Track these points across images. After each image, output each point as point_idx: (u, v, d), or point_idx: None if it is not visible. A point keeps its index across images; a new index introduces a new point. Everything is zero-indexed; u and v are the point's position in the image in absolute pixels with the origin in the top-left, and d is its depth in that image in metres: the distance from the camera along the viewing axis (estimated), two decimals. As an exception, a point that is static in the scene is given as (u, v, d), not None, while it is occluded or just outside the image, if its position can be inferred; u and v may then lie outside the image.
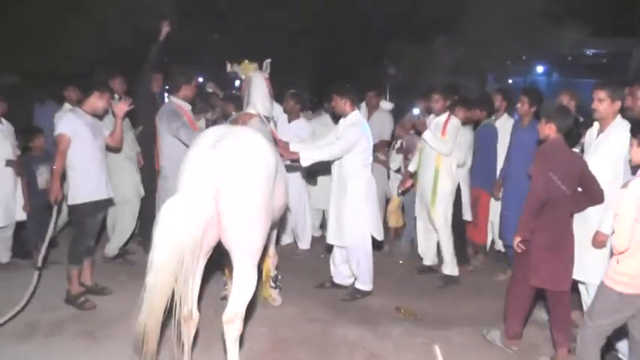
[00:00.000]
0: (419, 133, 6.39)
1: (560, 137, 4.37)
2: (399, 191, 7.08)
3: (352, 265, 5.83)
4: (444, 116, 6.27)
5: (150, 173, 6.51)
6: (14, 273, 6.06)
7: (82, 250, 5.35)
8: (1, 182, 5.96)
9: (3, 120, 6.13)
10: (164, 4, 15.77)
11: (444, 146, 6.12)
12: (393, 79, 23.27)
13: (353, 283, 5.96)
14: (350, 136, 5.56)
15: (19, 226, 6.38)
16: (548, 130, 4.39)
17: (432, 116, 6.47)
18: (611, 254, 3.71)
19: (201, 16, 21.34)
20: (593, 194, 4.35)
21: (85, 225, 5.32)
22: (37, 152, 6.52)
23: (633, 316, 3.62)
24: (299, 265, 6.92)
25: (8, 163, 5.94)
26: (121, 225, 6.54)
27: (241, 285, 3.67)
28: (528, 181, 4.54)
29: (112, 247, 6.50)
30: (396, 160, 7.48)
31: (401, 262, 7.16)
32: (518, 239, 4.37)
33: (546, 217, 4.29)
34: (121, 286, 5.88)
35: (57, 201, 5.09)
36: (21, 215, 6.20)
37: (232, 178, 3.59)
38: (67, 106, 6.02)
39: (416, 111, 7.87)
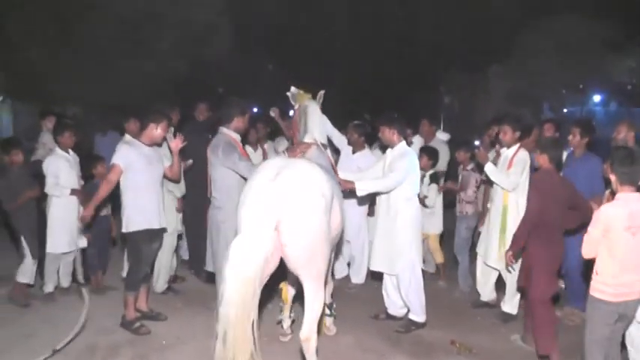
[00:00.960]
0: (479, 166, 6.21)
1: (552, 166, 4.98)
2: (480, 230, 6.67)
3: (402, 294, 5.75)
4: (513, 149, 5.89)
5: (196, 203, 6.64)
6: (74, 296, 6.22)
7: (139, 277, 5.42)
8: (67, 210, 6.14)
9: (70, 151, 6.32)
10: (219, 35, 16.24)
11: (507, 180, 5.76)
12: (447, 109, 23.16)
13: (407, 314, 5.86)
14: (402, 166, 5.54)
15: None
16: (542, 160, 4.99)
17: (503, 149, 6.09)
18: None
19: (256, 46, 21.87)
20: (584, 212, 4.84)
21: (141, 252, 5.38)
22: (99, 179, 6.58)
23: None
24: (353, 295, 6.86)
25: (73, 192, 6.12)
26: (160, 257, 6.45)
27: (312, 305, 3.98)
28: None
29: (160, 285, 6.52)
30: (431, 196, 7.02)
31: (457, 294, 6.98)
32: (509, 253, 5.00)
33: (541, 234, 4.86)
34: (176, 311, 5.99)
35: (85, 221, 5.44)
36: (83, 242, 6.34)
37: (292, 210, 3.77)
38: (127, 137, 6.20)
39: (476, 142, 7.61)
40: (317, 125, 5.11)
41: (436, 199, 7.11)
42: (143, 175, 5.29)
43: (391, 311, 5.98)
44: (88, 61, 11.62)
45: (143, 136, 5.43)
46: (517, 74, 17.10)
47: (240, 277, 3.57)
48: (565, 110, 19.56)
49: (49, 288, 6.25)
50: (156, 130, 5.42)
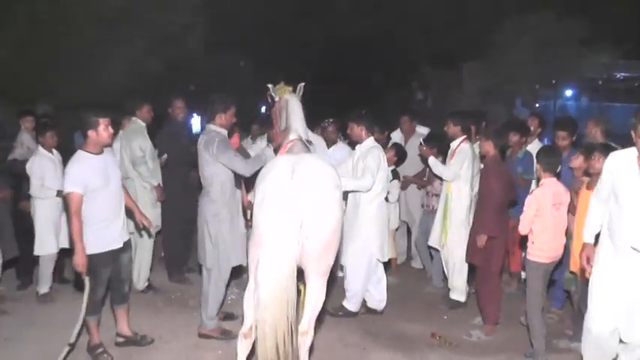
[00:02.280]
0: (424, 160, 6.40)
1: (497, 153, 5.55)
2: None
3: (347, 282, 5.96)
4: (457, 141, 6.16)
5: (177, 200, 6.67)
6: (55, 302, 6.17)
7: (99, 299, 4.89)
8: (52, 210, 6.13)
9: (54, 151, 6.26)
10: (191, 34, 16.14)
11: (447, 171, 6.08)
12: (420, 104, 23.29)
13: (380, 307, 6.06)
14: (372, 162, 5.69)
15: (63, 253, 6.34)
16: (488, 147, 5.54)
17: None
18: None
19: (226, 43, 21.71)
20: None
21: (102, 275, 4.81)
22: None
23: None
24: (334, 290, 6.91)
25: (59, 193, 5.91)
26: (141, 257, 6.50)
27: (314, 300, 3.98)
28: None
29: (141, 281, 6.51)
30: (393, 192, 6.98)
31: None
32: (483, 237, 5.41)
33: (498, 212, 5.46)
34: (157, 311, 6.02)
35: (84, 271, 4.58)
36: (63, 243, 6.16)
37: (314, 206, 3.82)
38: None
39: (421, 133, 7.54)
40: (300, 120, 4.90)
41: (399, 195, 7.24)
42: (101, 194, 4.66)
43: (370, 304, 6.06)
44: (62, 60, 11.47)
45: (88, 145, 4.69)
46: (491, 70, 17.26)
47: (275, 280, 3.64)
48: (537, 105, 19.81)
49: (44, 289, 6.18)
50: (99, 134, 4.66)
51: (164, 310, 6.05)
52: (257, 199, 3.99)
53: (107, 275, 4.85)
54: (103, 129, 4.66)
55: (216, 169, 5.15)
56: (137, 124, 6.58)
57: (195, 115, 28.71)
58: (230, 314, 5.73)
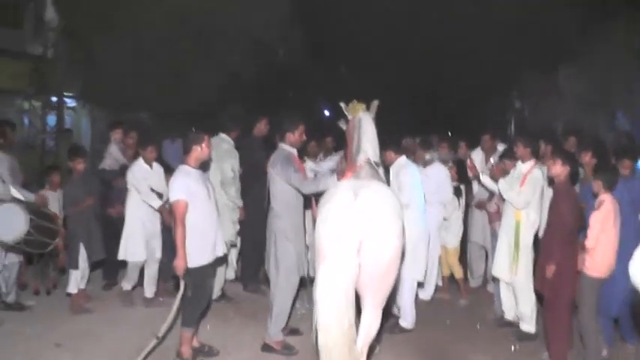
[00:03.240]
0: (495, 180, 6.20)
1: (568, 179, 5.39)
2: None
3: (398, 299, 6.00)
4: (527, 165, 5.92)
5: (252, 214, 6.80)
6: (135, 305, 6.59)
7: (198, 312, 5.17)
8: (142, 219, 6.44)
9: (154, 164, 6.60)
10: (289, 43, 16.49)
11: (517, 199, 5.78)
12: (518, 113, 22.47)
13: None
14: (404, 177, 6.06)
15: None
16: (559, 170, 5.29)
17: (518, 163, 6.09)
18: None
19: (329, 50, 21.99)
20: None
21: (204, 287, 5.11)
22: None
23: None
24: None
25: (161, 208, 6.35)
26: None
27: (369, 326, 4.04)
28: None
29: (216, 290, 6.58)
30: (449, 209, 7.00)
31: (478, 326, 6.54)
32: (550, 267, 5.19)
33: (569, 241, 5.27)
34: (227, 320, 6.26)
35: (182, 274, 4.83)
36: (159, 253, 6.60)
37: (374, 231, 3.87)
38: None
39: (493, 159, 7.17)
40: (371, 141, 4.90)
41: (453, 213, 7.09)
42: (202, 207, 4.97)
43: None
44: (159, 72, 12.11)
45: (190, 159, 5.05)
46: (589, 77, 16.36)
47: (333, 302, 3.72)
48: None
49: (127, 286, 6.58)
50: (201, 150, 5.07)
51: (233, 320, 6.27)
52: (319, 219, 4.09)
53: (211, 285, 5.30)
54: (205, 145, 5.08)
55: (281, 185, 5.37)
56: (228, 144, 6.75)
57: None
58: (296, 329, 5.81)
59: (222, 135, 6.79)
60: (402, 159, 6.26)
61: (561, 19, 18.64)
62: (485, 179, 6.14)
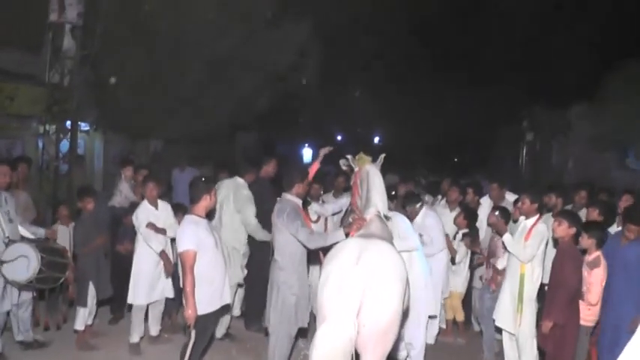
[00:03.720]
0: (499, 233, 6.22)
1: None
2: (492, 290, 6.57)
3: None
4: (532, 219, 5.89)
5: (258, 260, 6.84)
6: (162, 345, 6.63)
7: (199, 352, 5.15)
8: (149, 261, 6.35)
9: (159, 203, 6.49)
10: (304, 70, 16.62)
11: (523, 252, 5.75)
12: (530, 145, 22.54)
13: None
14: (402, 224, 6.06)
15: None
16: (564, 231, 5.36)
17: (521, 218, 6.10)
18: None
19: (336, 77, 22.14)
20: None
21: (207, 331, 5.16)
22: None
23: None
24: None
25: (162, 254, 6.31)
26: None
27: None
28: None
29: (221, 329, 6.69)
30: (460, 252, 7.15)
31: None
32: (549, 324, 5.30)
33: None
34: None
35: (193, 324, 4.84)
36: (169, 292, 6.56)
37: (374, 295, 3.86)
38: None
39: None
40: (379, 194, 4.92)
41: (462, 258, 7.19)
42: (211, 256, 5.01)
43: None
44: (174, 100, 12.28)
45: (199, 208, 5.12)
46: (601, 116, 16.41)
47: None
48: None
49: (134, 338, 6.39)
50: (210, 200, 5.17)
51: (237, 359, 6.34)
52: (322, 278, 4.11)
53: (213, 331, 5.29)
54: (214, 194, 5.17)
55: (287, 237, 5.37)
56: (247, 189, 6.72)
57: (306, 146, 29.78)
58: None
59: (240, 180, 6.75)
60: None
61: (578, 59, 18.89)
62: (507, 238, 5.96)
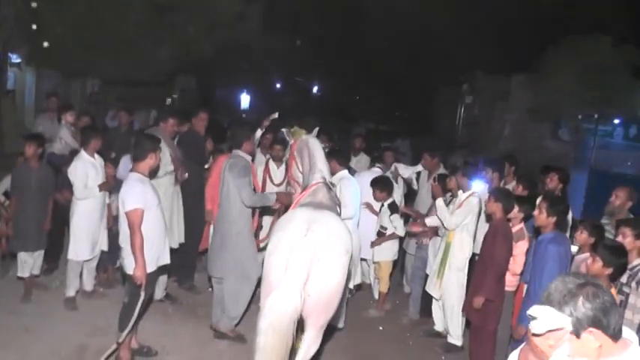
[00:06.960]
0: (433, 197, 6.41)
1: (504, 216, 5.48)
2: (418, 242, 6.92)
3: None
4: (465, 194, 6.10)
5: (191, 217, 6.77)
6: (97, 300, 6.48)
7: (137, 317, 5.04)
8: (91, 217, 6.19)
9: (96, 155, 6.26)
10: (245, 21, 16.27)
11: (449, 219, 6.01)
12: (468, 108, 22.94)
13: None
14: (345, 191, 6.04)
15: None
16: (496, 208, 5.40)
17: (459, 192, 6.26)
18: None
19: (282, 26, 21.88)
20: None
21: (148, 292, 5.08)
22: (110, 182, 6.40)
23: None
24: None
25: (100, 187, 6.11)
26: None
27: (307, 349, 4.21)
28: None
29: (159, 292, 6.54)
30: (399, 225, 6.98)
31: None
32: (480, 300, 5.37)
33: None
34: (166, 318, 6.30)
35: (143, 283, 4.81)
36: (104, 245, 6.41)
37: (321, 266, 4.00)
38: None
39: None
40: (322, 161, 5.01)
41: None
42: (153, 214, 4.92)
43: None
44: (113, 41, 11.78)
45: (141, 166, 4.98)
46: (539, 88, 16.85)
47: (275, 332, 3.83)
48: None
49: (70, 292, 6.23)
50: (154, 160, 5.05)
51: (173, 318, 6.30)
52: (270, 246, 4.21)
53: (152, 291, 5.31)
54: (158, 153, 5.07)
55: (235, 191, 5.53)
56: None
57: (244, 92, 29.56)
58: (241, 336, 5.80)
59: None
60: (344, 172, 6.38)
61: (521, 30, 19.22)
62: (439, 202, 6.21)
